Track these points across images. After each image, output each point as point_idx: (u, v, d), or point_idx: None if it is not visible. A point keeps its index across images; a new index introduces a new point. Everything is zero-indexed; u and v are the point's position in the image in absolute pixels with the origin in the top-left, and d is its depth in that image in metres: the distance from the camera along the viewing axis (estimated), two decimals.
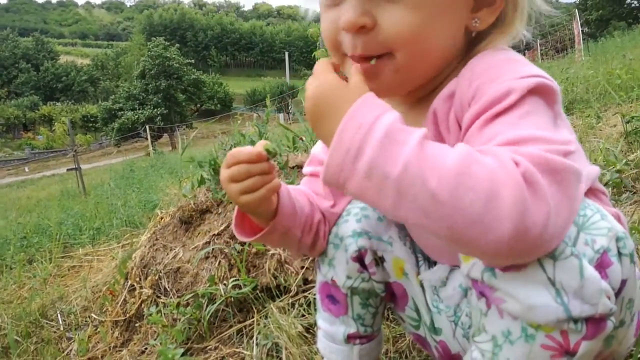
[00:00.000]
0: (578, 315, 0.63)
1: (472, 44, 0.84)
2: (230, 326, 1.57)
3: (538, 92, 0.69)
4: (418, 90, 0.86)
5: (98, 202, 6.49)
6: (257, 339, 1.41)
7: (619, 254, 0.66)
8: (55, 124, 58.77)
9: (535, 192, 0.58)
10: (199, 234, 1.91)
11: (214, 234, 1.83)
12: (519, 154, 0.60)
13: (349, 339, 1.02)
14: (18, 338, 2.24)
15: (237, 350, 1.45)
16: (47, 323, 2.39)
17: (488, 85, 0.71)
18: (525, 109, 0.67)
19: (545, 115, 0.69)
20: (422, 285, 0.98)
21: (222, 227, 1.84)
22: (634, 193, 1.85)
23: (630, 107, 2.99)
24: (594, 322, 0.64)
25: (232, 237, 1.76)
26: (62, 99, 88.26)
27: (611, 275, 0.65)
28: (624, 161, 1.91)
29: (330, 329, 1.03)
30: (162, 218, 2.17)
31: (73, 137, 15.02)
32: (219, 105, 62.54)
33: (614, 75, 3.73)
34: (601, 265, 0.65)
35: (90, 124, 64.45)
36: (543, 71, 0.73)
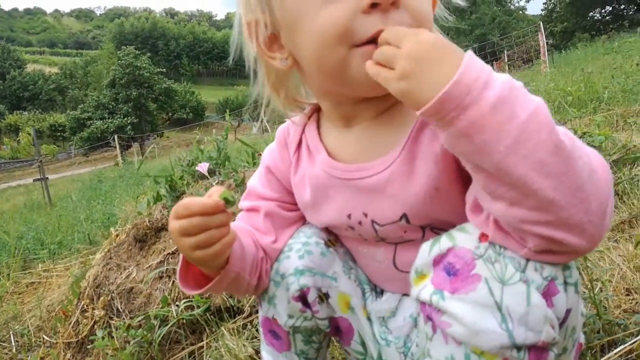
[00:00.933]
0: (522, 342, 0.62)
1: None
2: (183, 348, 1.54)
3: None
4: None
5: (61, 215, 6.34)
6: None
7: (565, 282, 0.66)
8: (20, 133, 57.40)
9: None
10: (153, 252, 1.87)
11: (168, 253, 1.80)
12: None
13: None
14: None
15: None
16: None
17: None
18: None
19: None
20: (369, 318, 0.95)
21: (175, 246, 1.80)
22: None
23: (585, 120, 3.07)
24: (536, 351, 0.64)
25: None
26: (29, 107, 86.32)
27: (557, 303, 0.65)
28: None
29: None
30: (117, 235, 2.12)
31: (38, 147, 14.66)
32: (191, 114, 62.09)
33: (567, 92, 3.83)
34: (548, 293, 0.65)
35: (59, 134, 63.22)
36: None
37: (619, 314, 1.19)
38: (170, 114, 59.97)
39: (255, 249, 0.94)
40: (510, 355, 0.63)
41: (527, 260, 0.65)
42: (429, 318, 0.69)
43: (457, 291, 0.65)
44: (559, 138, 0.59)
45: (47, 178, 12.89)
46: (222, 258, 0.84)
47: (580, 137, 2.08)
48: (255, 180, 1.04)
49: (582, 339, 0.85)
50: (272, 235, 0.97)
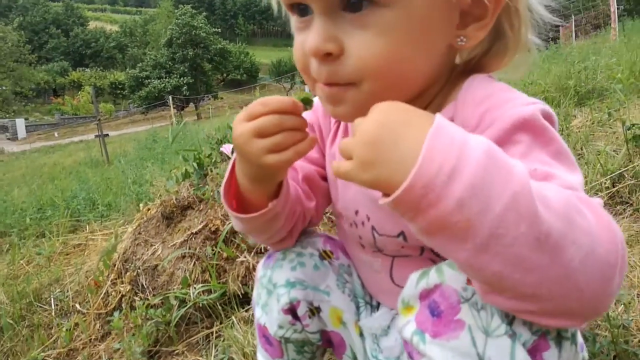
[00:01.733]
0: None
1: (467, 62, 0.78)
2: (198, 331, 1.56)
3: (549, 121, 0.65)
4: None
5: (109, 178, 6.56)
6: (216, 350, 1.39)
7: (559, 336, 0.59)
8: (80, 92, 59.69)
9: (622, 257, 0.53)
10: (178, 230, 1.89)
11: (192, 232, 1.82)
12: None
13: None
14: (11, 321, 2.29)
15: (200, 358, 1.44)
16: (40, 307, 2.43)
17: (501, 109, 0.65)
18: (555, 147, 0.62)
19: (570, 154, 0.64)
20: (361, 334, 0.92)
21: (200, 226, 1.82)
22: (629, 205, 1.76)
23: None
24: None
25: (207, 238, 1.74)
26: (91, 65, 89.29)
27: (549, 357, 0.59)
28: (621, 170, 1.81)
29: None
30: (148, 209, 2.17)
31: (97, 105, 15.19)
32: (244, 75, 62.52)
33: (632, 71, 3.55)
34: (537, 349, 0.59)
35: (118, 91, 65.20)
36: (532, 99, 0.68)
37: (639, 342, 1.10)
38: (224, 75, 60.53)
39: (295, 199, 0.88)
40: None
41: None
42: (410, 356, 0.66)
43: (439, 336, 0.60)
44: (542, 228, 0.49)
45: (107, 135, 13.41)
46: (283, 174, 0.79)
47: (628, 129, 1.93)
48: None
49: None
50: (312, 200, 0.93)
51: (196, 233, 1.80)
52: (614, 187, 1.81)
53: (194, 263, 1.71)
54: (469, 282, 0.61)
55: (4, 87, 51.31)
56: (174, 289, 1.68)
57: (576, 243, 0.50)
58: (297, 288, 0.89)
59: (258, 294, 0.94)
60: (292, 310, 0.90)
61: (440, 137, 0.51)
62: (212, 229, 1.76)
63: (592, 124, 2.74)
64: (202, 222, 1.83)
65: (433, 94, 0.76)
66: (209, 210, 1.88)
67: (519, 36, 0.73)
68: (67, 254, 3.48)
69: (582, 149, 2.35)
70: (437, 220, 0.50)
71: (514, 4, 0.70)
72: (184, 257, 1.76)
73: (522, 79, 4.00)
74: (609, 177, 1.83)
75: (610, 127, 2.67)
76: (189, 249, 1.75)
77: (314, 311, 0.91)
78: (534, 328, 0.58)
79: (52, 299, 2.47)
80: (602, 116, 2.84)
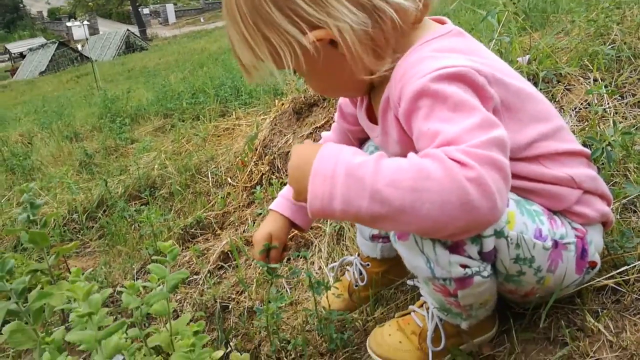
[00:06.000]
0: (440, 276, 0.92)
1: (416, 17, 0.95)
2: None
3: (455, 79, 0.83)
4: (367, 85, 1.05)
5: None
6: None
7: (479, 235, 0.89)
8: None
9: (483, 191, 0.72)
10: (306, 124, 2.27)
11: (317, 126, 2.19)
12: (465, 154, 0.73)
13: (373, 238, 1.36)
14: (179, 188, 2.91)
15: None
16: (200, 178, 3.01)
17: (408, 84, 0.86)
18: (452, 101, 0.80)
19: (469, 101, 0.81)
20: None
21: (323, 121, 2.18)
22: None
23: None
24: (459, 280, 0.93)
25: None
26: None
27: (468, 250, 0.90)
28: None
29: (360, 226, 1.37)
30: (282, 104, 2.57)
31: None
32: None
33: None
34: (457, 244, 0.90)
35: None
36: (464, 60, 0.85)
37: None
38: None
39: None
40: (439, 283, 0.94)
41: None
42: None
43: (400, 239, 0.95)
44: (397, 205, 0.74)
45: None
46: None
47: None
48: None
49: (596, 258, 1.04)
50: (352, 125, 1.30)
51: (320, 127, 2.17)
52: None
53: None
54: None
55: None
56: None
57: (428, 201, 0.73)
58: None
59: None
60: None
61: (317, 177, 0.80)
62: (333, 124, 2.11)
63: None
64: (325, 117, 2.19)
65: (391, 62, 0.95)
66: (331, 108, 2.22)
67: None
68: (218, 136, 3.99)
69: None
70: (339, 219, 0.90)
71: None
72: None
73: None
74: None
75: None
76: (314, 140, 2.13)
77: None
78: None
79: (209, 173, 3.03)
80: None
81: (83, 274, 0.94)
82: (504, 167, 0.75)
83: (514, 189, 0.95)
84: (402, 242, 0.94)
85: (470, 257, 0.91)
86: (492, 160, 0.74)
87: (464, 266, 0.91)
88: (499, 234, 0.91)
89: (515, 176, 0.85)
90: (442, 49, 0.91)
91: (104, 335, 0.81)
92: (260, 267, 1.27)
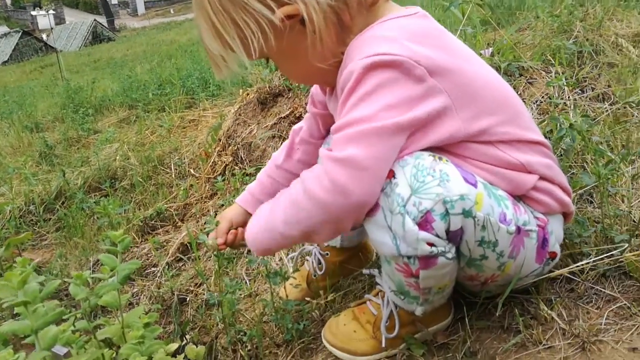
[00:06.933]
0: (405, 254, 0.90)
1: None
2: None
3: (388, 67, 0.86)
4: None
5: None
6: None
7: (447, 213, 0.88)
8: None
9: (334, 187, 0.87)
10: (270, 114, 2.24)
11: (281, 117, 2.16)
12: (340, 147, 0.87)
13: None
14: (141, 179, 2.85)
15: None
16: (162, 170, 2.95)
17: (348, 66, 0.90)
18: (364, 89, 0.87)
19: (390, 88, 0.86)
20: None
21: (288, 111, 2.15)
22: None
23: None
24: (424, 259, 0.91)
25: (292, 122, 2.08)
26: None
27: (436, 227, 0.88)
28: None
29: None
30: (247, 94, 2.52)
31: None
32: None
33: None
34: (426, 221, 0.88)
35: None
36: (396, 46, 0.88)
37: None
38: None
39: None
40: (403, 261, 0.92)
41: (410, 196, 0.88)
42: None
43: (368, 215, 0.93)
44: (294, 234, 0.97)
45: None
46: None
47: None
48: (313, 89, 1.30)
49: (557, 248, 1.04)
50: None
51: (284, 117, 2.14)
52: None
53: (281, 141, 2.07)
54: (389, 176, 0.91)
55: None
56: (264, 162, 2.06)
57: (305, 210, 0.92)
58: None
59: None
60: None
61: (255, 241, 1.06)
62: (297, 114, 2.09)
63: None
64: (290, 107, 2.16)
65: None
66: (296, 99, 2.20)
67: None
68: (184, 128, 3.94)
69: None
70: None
71: None
72: (273, 137, 2.13)
73: None
74: None
75: None
76: (278, 130, 2.10)
77: None
78: (421, 207, 0.87)
79: (172, 164, 2.98)
80: None
81: (30, 264, 0.90)
82: (355, 163, 0.86)
83: (478, 170, 0.95)
84: (369, 218, 0.93)
85: (437, 236, 0.89)
86: (345, 158, 0.86)
87: (431, 244, 0.89)
88: (467, 213, 0.89)
89: (473, 158, 0.95)
90: (393, 29, 0.93)
91: (41, 325, 0.77)
92: (209, 249, 1.25)
